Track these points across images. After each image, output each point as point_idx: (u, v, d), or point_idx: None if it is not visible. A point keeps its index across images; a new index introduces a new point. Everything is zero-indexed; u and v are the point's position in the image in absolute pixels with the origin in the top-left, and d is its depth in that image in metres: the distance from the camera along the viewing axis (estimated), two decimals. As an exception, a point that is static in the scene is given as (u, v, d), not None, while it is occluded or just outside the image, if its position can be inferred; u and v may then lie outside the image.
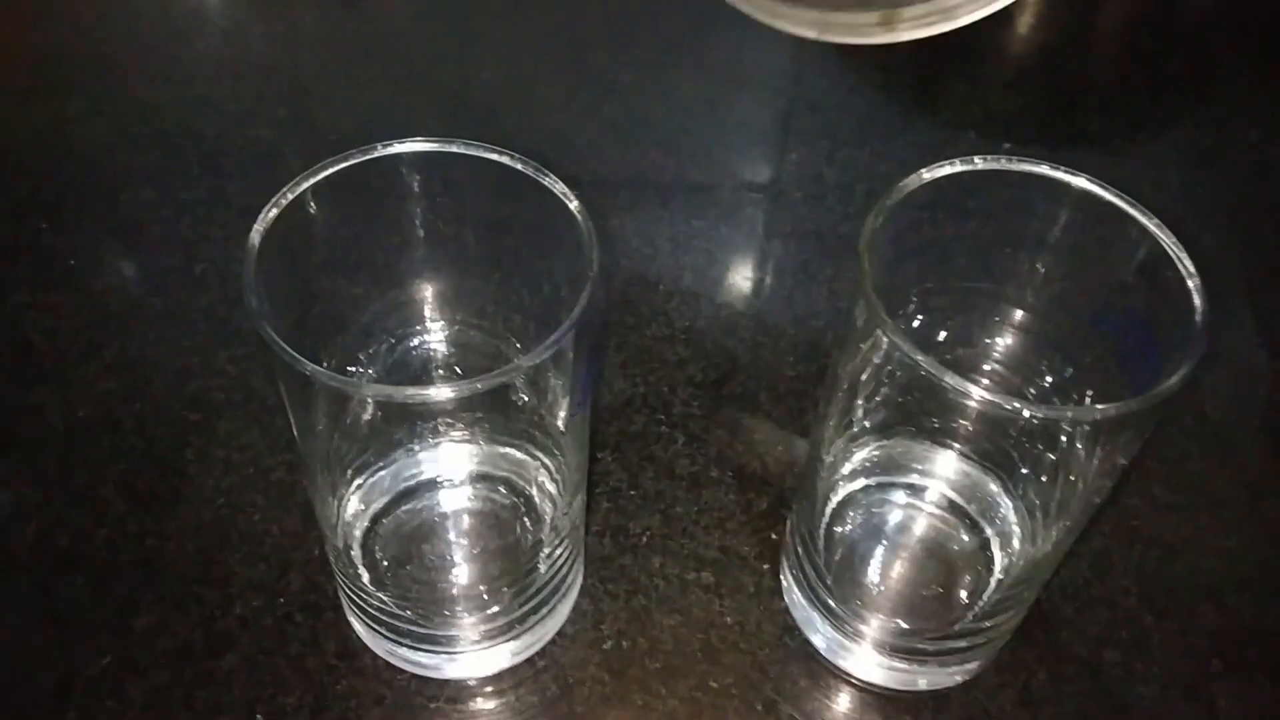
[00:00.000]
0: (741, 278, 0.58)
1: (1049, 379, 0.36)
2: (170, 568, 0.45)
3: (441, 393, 0.30)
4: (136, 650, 0.43)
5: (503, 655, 0.43)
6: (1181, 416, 0.52)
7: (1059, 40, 0.73)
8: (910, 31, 0.52)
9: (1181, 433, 0.52)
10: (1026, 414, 0.30)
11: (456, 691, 0.43)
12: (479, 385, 0.29)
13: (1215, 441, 0.52)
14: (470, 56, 0.68)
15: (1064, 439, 0.36)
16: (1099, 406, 0.30)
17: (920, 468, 0.44)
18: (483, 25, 0.70)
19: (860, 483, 0.45)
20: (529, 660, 0.43)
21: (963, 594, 0.43)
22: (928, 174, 0.35)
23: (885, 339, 0.33)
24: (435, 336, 0.38)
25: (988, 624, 0.41)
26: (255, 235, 0.32)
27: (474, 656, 0.42)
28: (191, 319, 0.53)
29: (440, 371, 0.39)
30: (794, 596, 0.44)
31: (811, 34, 0.55)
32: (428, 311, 0.38)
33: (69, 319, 0.53)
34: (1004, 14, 0.60)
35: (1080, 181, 0.35)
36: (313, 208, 0.34)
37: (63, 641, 0.43)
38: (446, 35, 0.69)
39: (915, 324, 0.36)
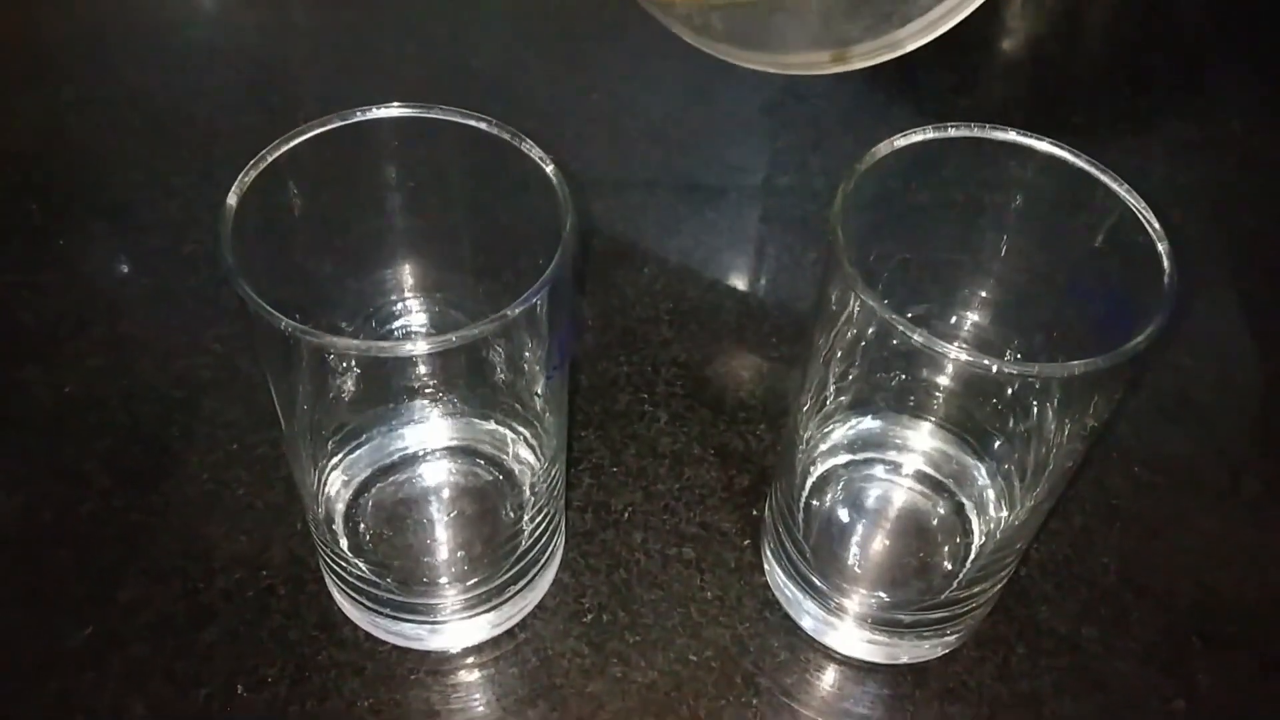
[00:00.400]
0: (726, 261, 0.58)
1: (1020, 345, 0.36)
2: (153, 541, 0.45)
3: (417, 347, 0.30)
4: (118, 622, 0.43)
5: (483, 627, 0.43)
6: (1163, 398, 0.52)
7: (1045, 32, 0.73)
8: (862, 62, 0.55)
9: (1163, 415, 0.52)
10: (995, 369, 0.30)
11: (437, 663, 0.43)
12: (453, 339, 0.30)
13: (1197, 424, 0.52)
14: (460, 44, 0.68)
15: (1035, 404, 0.36)
16: (1067, 364, 0.30)
17: (897, 442, 0.44)
18: (473, 13, 0.70)
19: (839, 459, 0.45)
20: (509, 632, 0.44)
21: (944, 564, 0.43)
22: (900, 140, 0.35)
23: (857, 304, 0.33)
24: (414, 305, 0.39)
25: (968, 594, 0.41)
26: (232, 197, 0.33)
27: (454, 627, 0.42)
28: (179, 299, 0.54)
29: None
30: (774, 572, 0.45)
31: (771, 70, 0.58)
32: (408, 280, 0.38)
33: (57, 298, 0.53)
34: (990, 7, 0.60)
35: (1049, 147, 0.35)
36: (290, 173, 0.34)
37: (44, 613, 0.43)
38: (436, 23, 0.70)
39: (887, 293, 0.36)
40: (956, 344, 0.31)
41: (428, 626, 0.42)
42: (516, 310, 0.30)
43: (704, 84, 0.66)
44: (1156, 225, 0.33)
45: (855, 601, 0.43)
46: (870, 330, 0.35)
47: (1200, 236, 0.59)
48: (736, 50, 0.58)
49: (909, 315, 0.40)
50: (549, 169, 0.34)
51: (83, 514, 0.46)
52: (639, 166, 0.62)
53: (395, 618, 0.42)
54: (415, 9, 0.72)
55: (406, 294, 0.39)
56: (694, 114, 0.65)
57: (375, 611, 0.41)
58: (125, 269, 0.56)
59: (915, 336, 0.31)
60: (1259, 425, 0.52)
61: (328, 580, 0.44)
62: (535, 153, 0.34)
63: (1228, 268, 0.59)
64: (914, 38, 0.55)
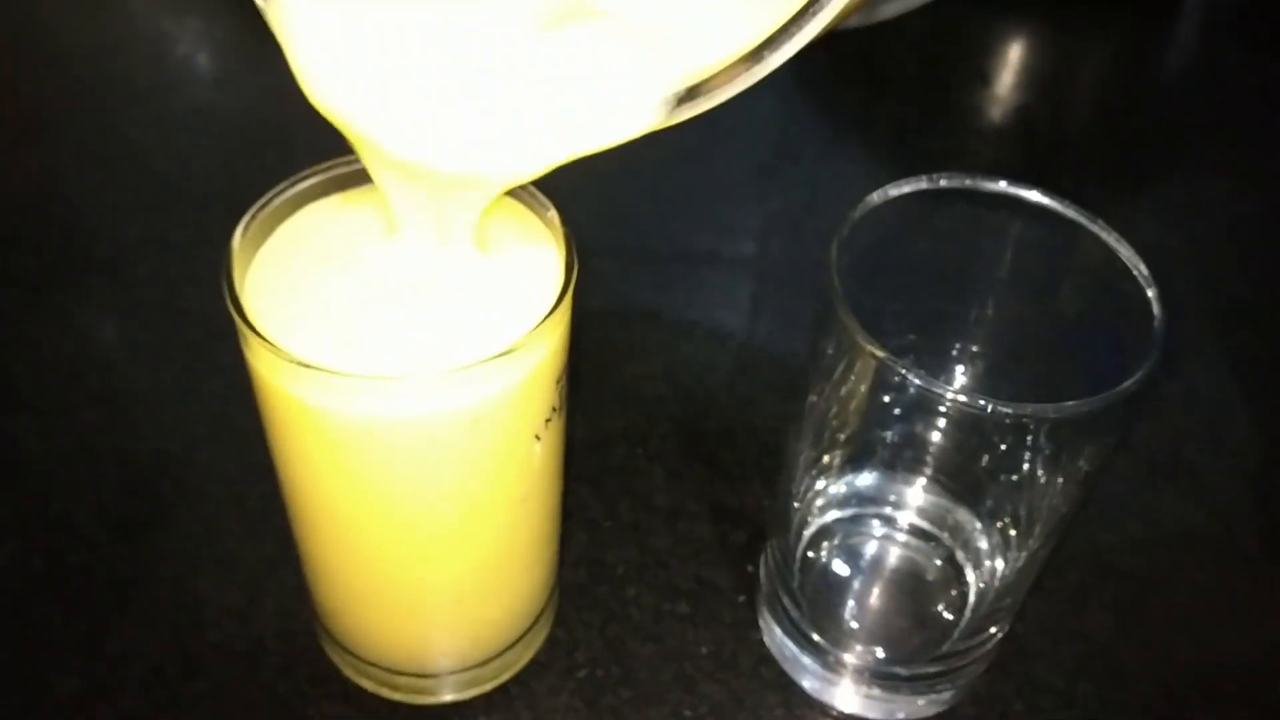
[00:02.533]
0: (720, 319, 0.58)
1: (1012, 391, 0.36)
2: (143, 593, 0.45)
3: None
4: (107, 674, 0.43)
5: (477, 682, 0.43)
6: (1156, 457, 0.52)
7: (1034, 97, 0.74)
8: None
9: (1157, 473, 0.52)
10: (989, 409, 0.31)
11: (429, 719, 0.42)
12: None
13: (1190, 481, 0.52)
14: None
15: (1029, 453, 0.36)
16: (1060, 405, 0.30)
17: (891, 496, 0.44)
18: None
19: (834, 514, 0.45)
20: (502, 687, 0.43)
21: (941, 617, 0.43)
22: (893, 190, 0.36)
23: (852, 349, 0.33)
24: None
25: (965, 647, 0.41)
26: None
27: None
28: (174, 353, 0.54)
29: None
30: (770, 627, 0.44)
31: None
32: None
33: (52, 351, 0.53)
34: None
35: (1039, 197, 0.36)
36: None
37: (33, 664, 0.43)
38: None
39: (880, 341, 0.36)
40: (950, 386, 0.31)
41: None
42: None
43: (697, 144, 0.67)
44: (1145, 271, 0.34)
45: (852, 657, 0.42)
46: (865, 378, 0.36)
47: (1190, 296, 0.60)
48: None
49: (902, 355, 0.41)
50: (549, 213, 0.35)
51: (73, 564, 0.46)
52: (634, 225, 0.62)
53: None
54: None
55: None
56: (687, 174, 0.65)
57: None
58: (120, 323, 0.56)
59: (910, 376, 0.31)
60: (1252, 482, 0.52)
61: (319, 634, 0.43)
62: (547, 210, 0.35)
63: (1217, 327, 0.59)
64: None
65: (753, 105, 0.70)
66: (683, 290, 0.59)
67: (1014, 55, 0.76)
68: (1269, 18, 0.80)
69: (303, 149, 0.66)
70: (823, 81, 0.69)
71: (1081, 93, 0.77)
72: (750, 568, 0.47)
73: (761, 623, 0.45)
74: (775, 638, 0.44)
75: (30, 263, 0.58)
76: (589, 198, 0.63)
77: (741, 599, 0.46)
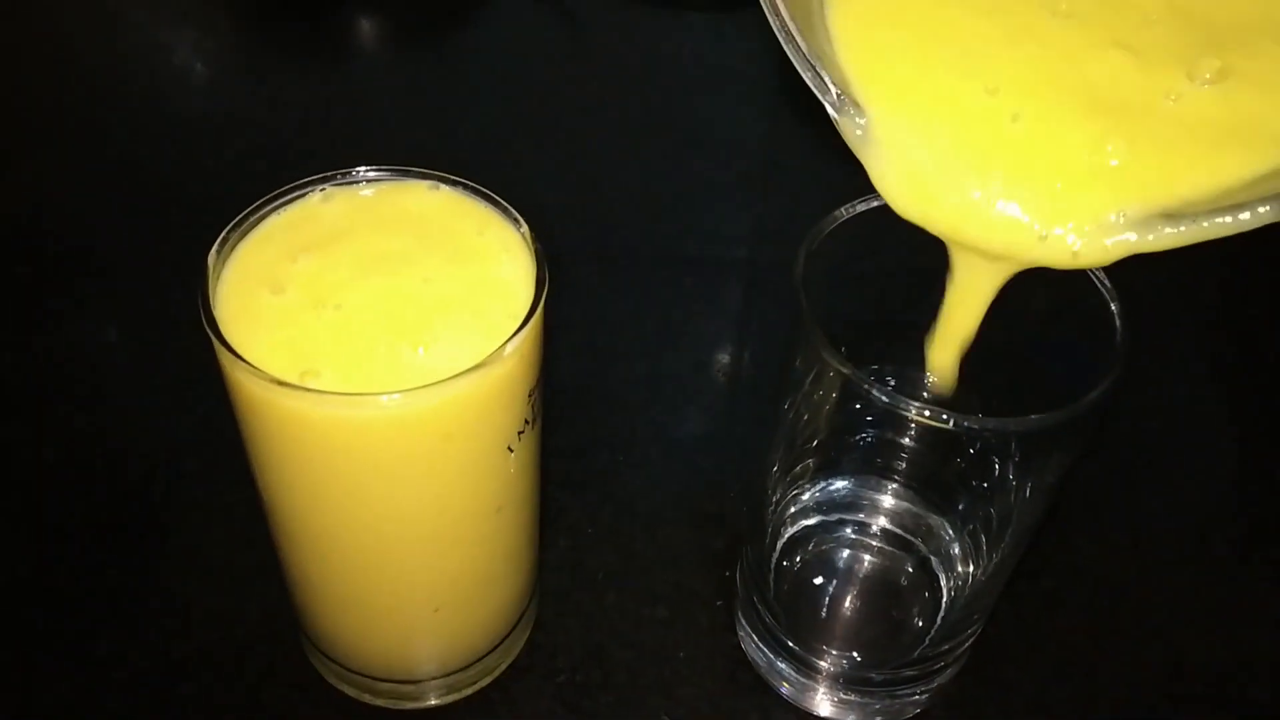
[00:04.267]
0: (703, 326, 0.59)
1: (979, 404, 0.37)
2: (131, 598, 0.46)
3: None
4: (95, 678, 0.43)
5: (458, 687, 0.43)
6: (1129, 460, 0.53)
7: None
8: None
9: (1130, 476, 0.53)
10: (952, 424, 0.31)
11: (411, 722, 0.43)
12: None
13: (1163, 485, 0.53)
14: (446, 119, 0.70)
15: (996, 461, 0.37)
16: (1022, 419, 0.31)
17: (864, 502, 0.45)
18: (459, 89, 0.72)
19: (808, 520, 0.46)
20: (482, 692, 0.44)
21: (914, 621, 0.43)
22: (861, 205, 0.36)
23: (821, 364, 0.34)
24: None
25: (938, 651, 0.42)
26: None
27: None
28: (164, 361, 0.54)
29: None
30: (747, 633, 0.45)
31: None
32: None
33: (43, 358, 0.54)
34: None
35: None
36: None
37: (21, 669, 0.43)
38: (423, 97, 0.71)
39: (850, 354, 0.37)
40: (916, 402, 0.32)
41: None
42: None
43: (681, 155, 0.67)
44: (1109, 285, 0.34)
45: (826, 662, 0.43)
46: (835, 390, 0.36)
47: (1165, 301, 0.61)
48: None
49: (870, 375, 0.41)
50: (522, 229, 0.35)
51: (61, 571, 0.46)
52: (617, 230, 0.63)
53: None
54: (402, 83, 0.73)
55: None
56: (671, 180, 0.66)
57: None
58: (112, 331, 0.57)
59: (876, 394, 0.32)
60: (1224, 486, 0.53)
61: (303, 640, 0.44)
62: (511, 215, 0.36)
63: (1192, 331, 0.60)
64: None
65: (737, 112, 0.71)
66: (665, 297, 0.59)
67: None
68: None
69: (295, 156, 0.67)
70: (805, 88, 0.70)
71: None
72: (728, 573, 0.48)
73: (739, 628, 0.46)
74: (752, 643, 0.45)
75: (22, 270, 0.58)
76: (572, 204, 0.64)
77: (720, 604, 0.47)
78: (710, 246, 0.62)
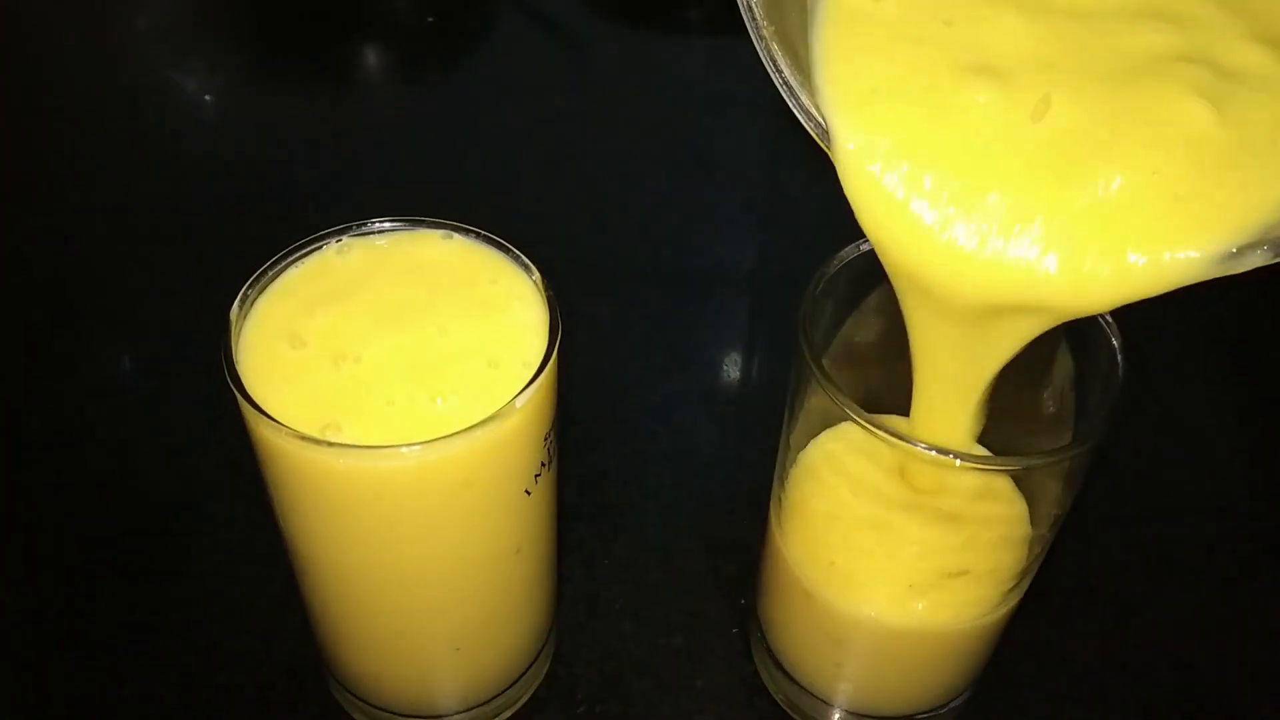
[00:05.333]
0: (712, 354, 0.60)
1: (982, 440, 0.37)
2: (155, 639, 0.46)
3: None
4: (120, 719, 0.44)
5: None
6: (1137, 481, 0.54)
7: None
8: None
9: (1137, 496, 0.53)
10: (957, 462, 0.32)
11: (433, 756, 0.44)
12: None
13: (1170, 504, 0.53)
14: (454, 149, 0.71)
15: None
16: (1023, 458, 0.32)
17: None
18: (465, 120, 0.73)
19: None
20: (504, 725, 0.45)
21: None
22: (865, 245, 0.37)
23: (826, 404, 0.35)
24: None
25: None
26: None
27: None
28: (181, 401, 0.55)
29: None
30: (763, 660, 0.46)
31: None
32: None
33: (61, 402, 0.55)
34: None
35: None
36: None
37: (48, 711, 0.44)
38: (428, 130, 0.72)
39: (853, 391, 0.37)
40: (921, 441, 0.33)
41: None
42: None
43: (686, 182, 0.68)
44: (1109, 319, 0.35)
45: (840, 690, 0.43)
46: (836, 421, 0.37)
47: (1170, 321, 0.61)
48: None
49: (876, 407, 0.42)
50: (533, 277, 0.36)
51: (86, 613, 0.47)
52: (626, 262, 0.64)
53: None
54: (408, 118, 0.74)
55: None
56: (678, 211, 0.67)
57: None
58: (128, 372, 0.58)
59: (879, 433, 0.32)
60: (1231, 504, 0.54)
61: (327, 676, 0.45)
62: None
63: (1197, 350, 0.60)
64: None
65: (740, 137, 0.72)
66: (675, 326, 0.60)
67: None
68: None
69: (304, 195, 0.68)
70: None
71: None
72: (743, 600, 0.48)
73: (755, 656, 0.46)
74: (768, 670, 0.45)
75: (38, 315, 0.59)
76: (576, 230, 0.65)
77: (735, 631, 0.48)
78: (717, 276, 0.63)
